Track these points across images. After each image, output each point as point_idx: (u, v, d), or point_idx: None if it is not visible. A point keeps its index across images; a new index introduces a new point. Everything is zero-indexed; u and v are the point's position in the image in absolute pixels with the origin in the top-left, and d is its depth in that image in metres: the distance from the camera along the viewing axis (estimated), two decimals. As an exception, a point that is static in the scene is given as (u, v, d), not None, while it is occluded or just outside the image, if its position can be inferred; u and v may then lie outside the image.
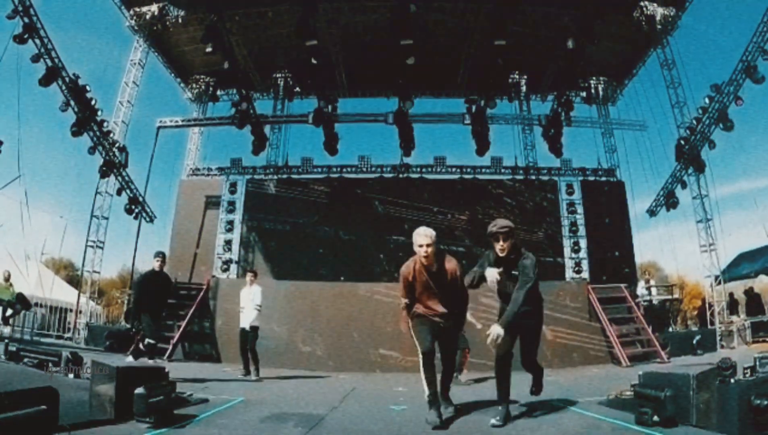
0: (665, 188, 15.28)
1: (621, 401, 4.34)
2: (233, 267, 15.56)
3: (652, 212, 16.10)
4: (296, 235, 15.58)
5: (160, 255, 7.19)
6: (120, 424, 3.41)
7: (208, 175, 16.90)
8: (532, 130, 17.02)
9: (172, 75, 16.90)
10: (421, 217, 14.58)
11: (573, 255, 15.58)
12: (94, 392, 3.59)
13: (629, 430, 3.43)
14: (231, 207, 16.05)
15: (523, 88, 16.85)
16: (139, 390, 3.49)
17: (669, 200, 15.11)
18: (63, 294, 15.86)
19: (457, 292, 3.95)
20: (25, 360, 5.17)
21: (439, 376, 4.03)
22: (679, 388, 3.45)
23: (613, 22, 13.60)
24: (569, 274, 15.27)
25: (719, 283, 13.32)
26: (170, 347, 10.47)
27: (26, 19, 11.15)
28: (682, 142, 13.89)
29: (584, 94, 16.35)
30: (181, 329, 10.92)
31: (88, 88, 12.76)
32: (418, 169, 16.51)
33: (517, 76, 16.58)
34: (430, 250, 3.80)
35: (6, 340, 8.12)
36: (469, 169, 16.36)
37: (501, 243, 3.79)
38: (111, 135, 13.67)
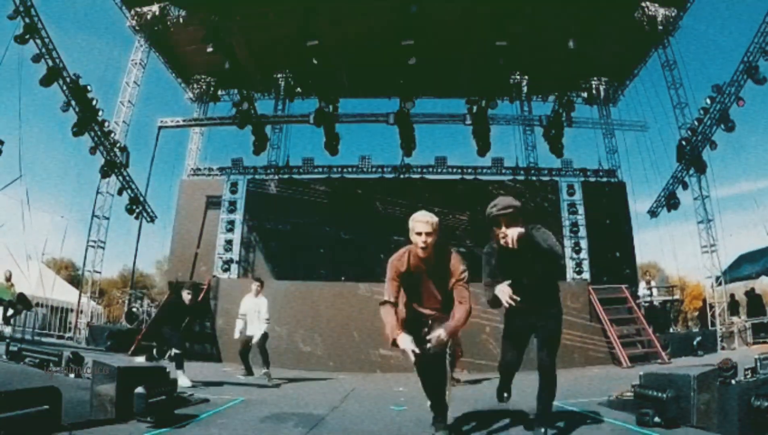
0: (666, 189, 15.27)
1: (622, 402, 4.34)
2: (234, 267, 15.58)
3: (653, 213, 16.09)
4: (297, 235, 15.59)
5: (191, 288, 6.89)
6: (120, 424, 3.41)
7: (209, 175, 16.92)
8: (533, 131, 17.04)
9: (173, 75, 16.92)
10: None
11: (574, 255, 15.58)
12: (95, 392, 3.59)
13: (630, 431, 3.43)
14: (232, 207, 16.07)
15: (524, 89, 16.82)
16: (140, 390, 3.50)
17: (670, 201, 15.10)
18: (64, 294, 15.86)
19: (461, 302, 3.17)
20: (26, 360, 5.17)
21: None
22: (679, 389, 3.45)
23: (614, 23, 13.60)
24: (570, 274, 15.26)
25: (720, 284, 13.30)
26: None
27: (27, 20, 11.17)
28: (683, 142, 13.87)
29: (585, 94, 16.36)
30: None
31: (89, 88, 12.78)
32: (419, 170, 16.52)
33: (518, 77, 16.56)
34: (430, 240, 3.12)
35: (7, 340, 8.11)
36: (470, 170, 16.37)
37: (505, 229, 3.00)
38: (112, 135, 13.68)
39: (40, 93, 12.09)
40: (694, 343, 11.13)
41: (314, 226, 15.63)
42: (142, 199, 15.13)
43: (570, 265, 15.48)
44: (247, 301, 7.76)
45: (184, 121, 16.90)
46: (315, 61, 12.94)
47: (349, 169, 16.51)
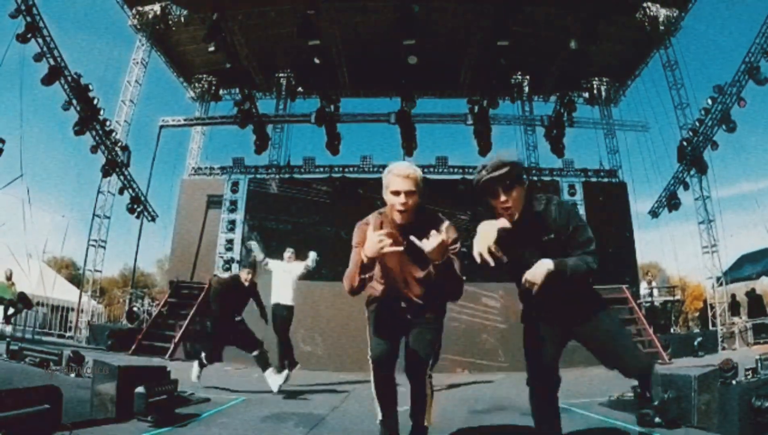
0: (667, 189, 15.25)
1: (622, 402, 4.33)
2: (235, 266, 15.58)
3: (654, 213, 16.07)
4: (298, 234, 15.58)
5: (251, 266, 6.04)
6: (121, 423, 3.41)
7: (210, 174, 16.92)
8: (535, 131, 17.01)
9: (174, 74, 16.93)
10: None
11: (574, 256, 15.53)
12: (96, 391, 3.59)
13: (631, 431, 3.42)
14: (233, 206, 16.07)
15: (526, 89, 16.83)
16: (140, 389, 3.50)
17: (671, 201, 15.09)
18: (64, 293, 15.89)
19: (451, 280, 2.42)
20: (27, 359, 5.18)
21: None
22: (680, 390, 3.45)
23: (616, 23, 13.60)
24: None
25: (721, 284, 13.29)
26: (172, 346, 10.48)
27: (29, 18, 11.18)
28: (685, 143, 13.86)
29: (587, 94, 16.36)
30: (183, 329, 10.93)
31: (90, 87, 12.79)
32: (421, 170, 16.50)
33: (520, 77, 16.57)
34: (411, 202, 2.38)
35: (8, 339, 8.12)
36: (471, 170, 16.34)
37: (502, 198, 2.20)
38: (113, 134, 13.69)
39: (42, 92, 12.13)
40: (695, 343, 11.12)
41: (315, 226, 15.62)
42: (143, 198, 15.14)
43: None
44: (279, 268, 6.89)
45: (185, 120, 16.91)
46: (316, 61, 12.93)
47: (351, 169, 16.50)
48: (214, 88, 17.06)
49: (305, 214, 15.80)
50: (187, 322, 11.06)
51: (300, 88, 16.94)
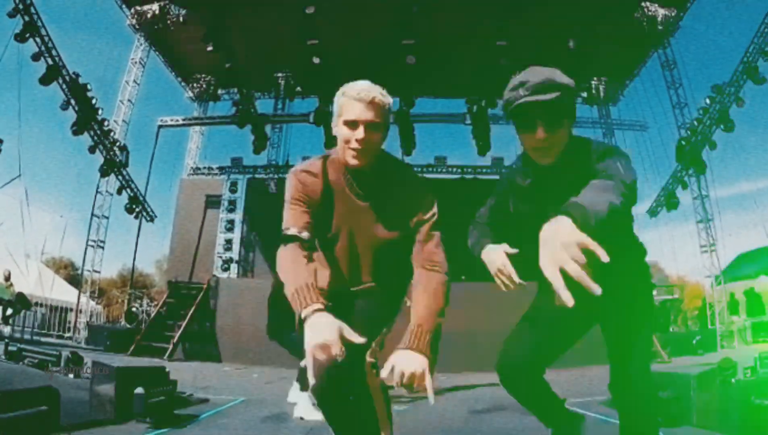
0: (666, 189, 15.26)
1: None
2: (234, 266, 15.57)
3: (652, 212, 16.08)
4: (296, 234, 15.56)
5: None
6: (120, 425, 3.41)
7: (208, 174, 16.90)
8: (533, 130, 17.00)
9: (173, 74, 16.90)
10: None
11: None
12: (94, 392, 3.59)
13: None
14: (231, 206, 16.05)
15: (524, 88, 16.80)
16: (139, 390, 3.49)
17: (669, 201, 15.09)
18: (63, 293, 15.86)
19: (429, 267, 1.73)
20: (26, 360, 5.17)
21: None
22: (679, 389, 3.45)
23: (614, 23, 13.59)
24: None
25: (720, 283, 13.31)
26: (171, 347, 10.48)
27: (27, 18, 11.16)
28: (683, 142, 13.87)
29: (585, 94, 16.35)
30: (182, 329, 10.92)
31: (88, 87, 12.77)
32: (419, 169, 16.49)
33: (519, 77, 16.54)
34: (373, 138, 1.66)
35: (6, 340, 8.10)
36: (470, 170, 16.35)
37: (540, 134, 1.55)
38: (111, 134, 13.67)
39: (40, 92, 12.11)
40: (694, 342, 11.14)
41: (314, 226, 15.60)
42: (141, 198, 15.12)
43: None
44: None
45: (183, 120, 16.89)
46: (315, 60, 12.92)
47: (349, 169, 16.48)
48: (212, 87, 17.03)
49: (304, 214, 15.78)
50: (185, 322, 11.06)
51: (299, 88, 16.92)
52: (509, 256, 1.71)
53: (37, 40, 11.50)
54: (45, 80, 11.81)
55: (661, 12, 13.52)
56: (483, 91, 14.67)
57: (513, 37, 12.72)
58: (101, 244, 13.80)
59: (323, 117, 14.58)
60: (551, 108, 1.51)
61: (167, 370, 4.30)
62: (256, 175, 16.57)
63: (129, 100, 14.47)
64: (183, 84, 17.35)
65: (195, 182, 16.67)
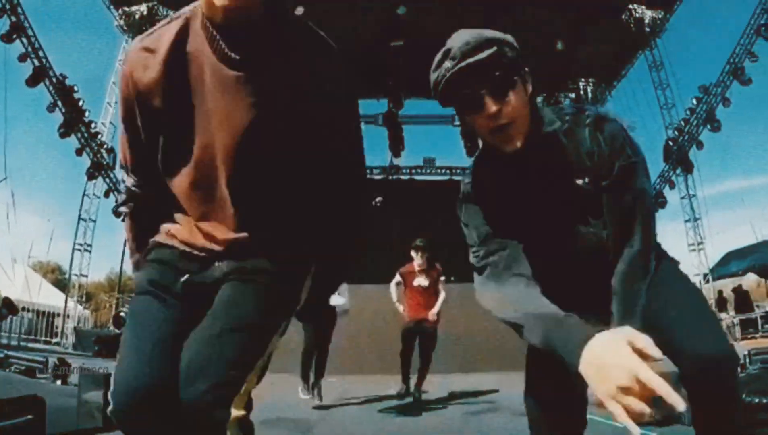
0: (653, 188, 15.43)
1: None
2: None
3: (641, 212, 16.23)
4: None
5: None
6: (108, 433, 3.35)
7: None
8: (522, 131, 17.09)
9: (161, 76, 16.78)
10: (409, 218, 14.56)
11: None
12: (82, 399, 3.52)
13: (625, 429, 3.43)
14: (221, 209, 15.94)
15: (513, 90, 16.90)
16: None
17: (657, 200, 15.25)
18: (50, 298, 15.63)
19: (341, 178, 1.26)
20: (12, 366, 5.08)
21: None
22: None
23: (602, 25, 13.72)
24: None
25: (708, 281, 13.47)
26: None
27: (13, 18, 11.01)
28: (670, 142, 14.03)
29: (573, 95, 16.48)
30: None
31: (75, 88, 12.63)
32: (408, 171, 16.52)
33: (507, 78, 16.64)
34: None
35: (-9, 346, 7.97)
36: (458, 171, 16.40)
37: (490, 107, 1.22)
38: (99, 136, 13.52)
39: (27, 93, 11.96)
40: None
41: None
42: (129, 201, 14.95)
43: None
44: None
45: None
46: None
47: (339, 170, 16.45)
48: (201, 89, 16.92)
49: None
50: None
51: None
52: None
53: (24, 41, 11.35)
54: (31, 81, 11.65)
55: (648, 14, 13.67)
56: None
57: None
58: (88, 248, 13.65)
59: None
60: (491, 68, 1.17)
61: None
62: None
63: (116, 102, 14.31)
64: (171, 86, 17.23)
65: (184, 185, 16.54)
